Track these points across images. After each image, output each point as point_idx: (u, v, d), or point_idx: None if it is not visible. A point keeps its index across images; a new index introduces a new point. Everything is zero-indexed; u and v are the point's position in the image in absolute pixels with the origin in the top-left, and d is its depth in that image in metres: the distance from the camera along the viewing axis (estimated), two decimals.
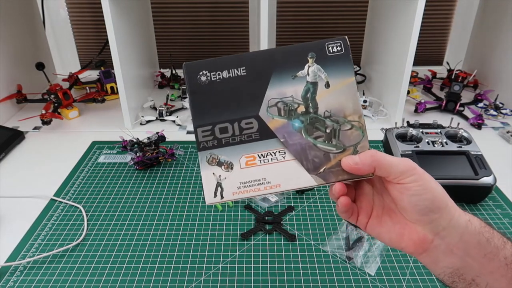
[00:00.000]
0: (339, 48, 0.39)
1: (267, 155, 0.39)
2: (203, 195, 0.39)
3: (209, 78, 0.38)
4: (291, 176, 0.39)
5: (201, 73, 0.38)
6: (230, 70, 0.38)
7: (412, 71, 1.11)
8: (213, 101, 0.38)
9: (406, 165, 0.36)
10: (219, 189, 0.39)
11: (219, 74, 0.38)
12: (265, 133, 0.39)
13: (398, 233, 0.38)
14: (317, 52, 0.38)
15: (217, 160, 0.39)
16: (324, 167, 0.39)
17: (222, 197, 0.39)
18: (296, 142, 0.39)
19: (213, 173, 0.38)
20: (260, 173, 0.39)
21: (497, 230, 0.37)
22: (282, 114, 0.39)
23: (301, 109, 0.39)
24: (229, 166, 0.39)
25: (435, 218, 0.36)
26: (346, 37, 0.39)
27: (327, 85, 0.39)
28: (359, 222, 0.41)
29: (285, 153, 0.39)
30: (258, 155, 0.39)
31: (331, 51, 0.39)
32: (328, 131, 0.39)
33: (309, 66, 0.38)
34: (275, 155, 0.39)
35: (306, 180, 0.39)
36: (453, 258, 0.36)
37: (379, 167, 0.36)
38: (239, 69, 0.38)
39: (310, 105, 0.39)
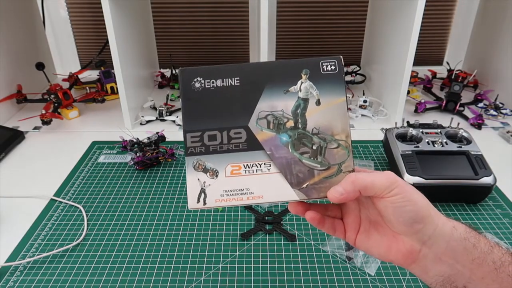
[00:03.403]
0: (333, 67, 0.39)
1: (252, 166, 0.39)
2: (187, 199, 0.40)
3: (203, 85, 0.39)
4: (274, 189, 0.39)
5: (195, 79, 0.39)
6: (225, 79, 0.39)
7: (412, 71, 1.11)
8: (205, 108, 0.39)
9: (388, 180, 0.36)
10: (203, 195, 0.39)
11: (213, 82, 0.39)
12: (252, 144, 0.39)
13: (386, 246, 0.39)
14: (311, 69, 0.39)
15: (203, 167, 0.39)
16: (307, 183, 0.39)
17: (205, 203, 0.39)
18: (282, 156, 0.39)
19: (198, 179, 0.39)
20: (244, 183, 0.39)
21: (483, 235, 0.37)
22: (271, 127, 0.39)
23: (290, 124, 0.39)
24: (214, 174, 0.39)
25: (419, 228, 0.36)
26: (341, 57, 0.39)
27: (318, 102, 0.39)
28: (347, 238, 0.42)
29: (270, 166, 0.39)
30: (243, 165, 0.39)
31: (325, 70, 0.39)
32: (314, 147, 0.39)
33: (302, 82, 0.39)
34: (260, 166, 0.39)
35: (288, 194, 0.39)
36: (443, 266, 0.37)
37: (363, 189, 0.37)
38: (233, 79, 0.39)
39: (299, 120, 0.39)
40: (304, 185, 0.39)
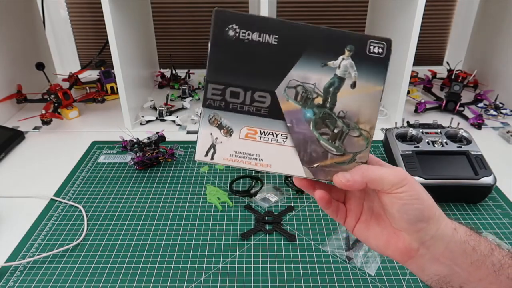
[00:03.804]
0: (380, 50, 0.36)
1: (269, 134, 0.37)
2: (195, 151, 0.38)
3: (237, 34, 0.35)
4: (284, 161, 0.38)
5: (230, 26, 0.35)
6: (262, 34, 0.35)
7: (412, 71, 1.11)
8: (233, 61, 0.36)
9: (397, 176, 0.36)
10: (212, 150, 0.38)
11: (249, 34, 0.35)
12: (274, 112, 0.37)
13: (385, 240, 0.39)
14: (357, 47, 0.36)
15: (219, 122, 0.37)
16: (318, 164, 0.38)
17: (212, 158, 0.38)
18: (301, 131, 0.37)
19: (211, 134, 0.37)
20: (256, 149, 0.38)
21: (484, 237, 0.37)
22: (298, 99, 0.37)
23: (318, 100, 0.37)
24: (229, 132, 0.37)
25: (423, 227, 0.36)
26: (392, 40, 0.36)
27: (354, 85, 0.37)
28: (347, 223, 0.41)
29: (286, 138, 0.37)
30: (260, 131, 0.37)
31: (371, 51, 0.36)
32: (336, 131, 0.38)
33: (343, 59, 0.36)
34: (276, 136, 0.37)
35: (296, 169, 0.38)
36: (440, 266, 0.37)
37: (371, 182, 0.36)
38: (271, 36, 0.35)
39: (329, 99, 0.37)
40: (315, 165, 0.38)
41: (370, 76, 0.36)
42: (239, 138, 0.37)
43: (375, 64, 0.36)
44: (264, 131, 0.37)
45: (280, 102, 0.37)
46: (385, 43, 0.36)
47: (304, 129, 0.37)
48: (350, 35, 0.36)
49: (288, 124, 0.37)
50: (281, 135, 0.38)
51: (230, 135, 0.37)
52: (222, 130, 0.37)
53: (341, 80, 0.36)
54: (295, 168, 0.38)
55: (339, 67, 0.36)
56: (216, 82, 0.36)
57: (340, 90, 0.37)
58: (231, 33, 0.35)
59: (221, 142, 0.37)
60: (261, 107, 0.37)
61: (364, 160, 0.38)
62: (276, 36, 0.35)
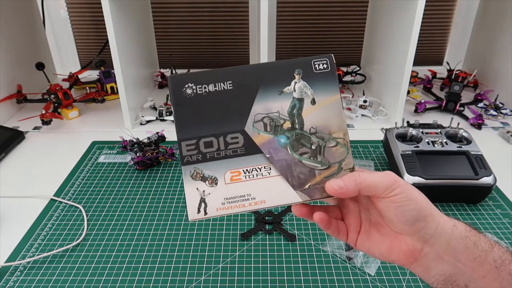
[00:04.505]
0: (325, 66, 0.39)
1: (252, 170, 0.38)
2: (186, 210, 0.38)
3: (194, 91, 0.38)
4: (276, 192, 0.38)
5: (186, 85, 0.38)
6: (217, 84, 0.38)
7: (412, 71, 1.11)
8: (198, 115, 0.38)
9: (389, 180, 0.36)
10: (203, 204, 0.38)
11: (205, 88, 0.38)
12: (250, 148, 0.38)
13: (387, 246, 0.39)
14: (304, 69, 0.39)
15: (201, 175, 0.38)
16: (309, 184, 0.39)
17: (205, 213, 0.38)
18: (281, 158, 0.39)
19: (197, 188, 0.38)
20: (245, 189, 0.38)
21: (483, 234, 0.37)
22: (268, 129, 0.39)
23: (287, 125, 0.39)
24: (214, 182, 0.38)
25: (422, 227, 0.36)
26: (332, 55, 0.39)
27: (313, 101, 0.39)
28: (349, 239, 0.41)
29: (270, 169, 0.38)
30: (243, 170, 0.38)
31: (317, 68, 0.39)
32: (313, 147, 0.39)
33: (295, 82, 0.39)
34: (260, 170, 0.38)
35: (291, 196, 0.39)
36: (444, 265, 0.37)
37: (364, 189, 0.37)
38: (225, 83, 0.38)
39: (296, 121, 0.39)
40: (306, 186, 0.39)
41: (325, 89, 0.39)
42: (225, 183, 0.38)
43: (325, 78, 0.39)
44: (247, 169, 0.38)
45: (252, 137, 0.38)
46: (327, 59, 0.39)
47: (283, 155, 0.39)
48: (295, 61, 0.39)
49: (267, 155, 0.39)
50: (264, 167, 0.39)
51: (216, 183, 0.38)
52: (206, 182, 0.38)
53: (301, 100, 0.39)
54: (289, 195, 0.39)
55: (294, 90, 0.39)
56: (187, 138, 0.38)
57: (303, 110, 0.39)
58: (189, 91, 0.38)
59: (209, 193, 0.38)
60: (236, 148, 0.38)
61: (350, 166, 0.39)
62: (230, 82, 0.38)
